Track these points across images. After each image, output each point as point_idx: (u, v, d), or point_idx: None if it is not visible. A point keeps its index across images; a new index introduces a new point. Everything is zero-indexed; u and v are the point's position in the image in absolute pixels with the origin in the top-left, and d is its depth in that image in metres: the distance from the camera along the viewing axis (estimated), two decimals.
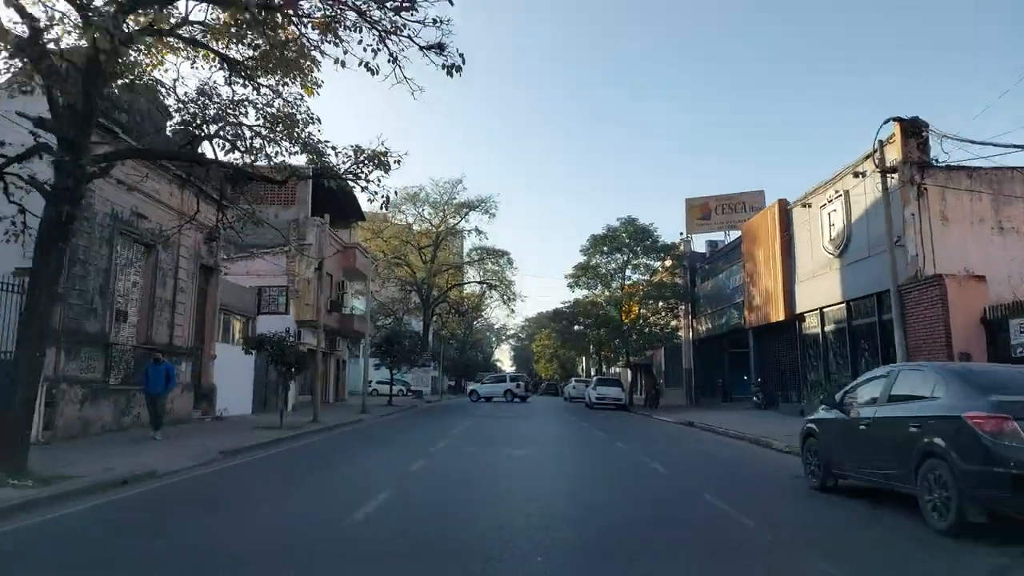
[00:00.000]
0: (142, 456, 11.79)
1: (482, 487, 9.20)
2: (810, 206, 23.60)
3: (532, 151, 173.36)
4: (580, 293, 38.11)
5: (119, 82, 11.61)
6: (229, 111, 12.17)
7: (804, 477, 9.29)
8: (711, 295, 35.14)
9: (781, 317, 25.34)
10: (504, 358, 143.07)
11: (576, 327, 42.71)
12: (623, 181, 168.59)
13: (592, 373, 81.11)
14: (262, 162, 12.27)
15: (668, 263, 37.74)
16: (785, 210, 25.58)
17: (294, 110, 12.35)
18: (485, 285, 51.69)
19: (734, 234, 37.66)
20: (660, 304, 35.04)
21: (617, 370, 58.61)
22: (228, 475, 10.73)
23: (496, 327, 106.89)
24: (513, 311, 55.57)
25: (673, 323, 36.98)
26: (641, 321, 35.24)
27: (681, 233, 39.89)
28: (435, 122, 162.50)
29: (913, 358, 16.21)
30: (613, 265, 36.91)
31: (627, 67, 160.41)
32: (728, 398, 33.09)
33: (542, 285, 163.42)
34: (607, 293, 36.60)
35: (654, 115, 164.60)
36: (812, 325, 23.99)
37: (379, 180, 12.13)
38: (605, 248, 36.27)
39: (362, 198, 35.42)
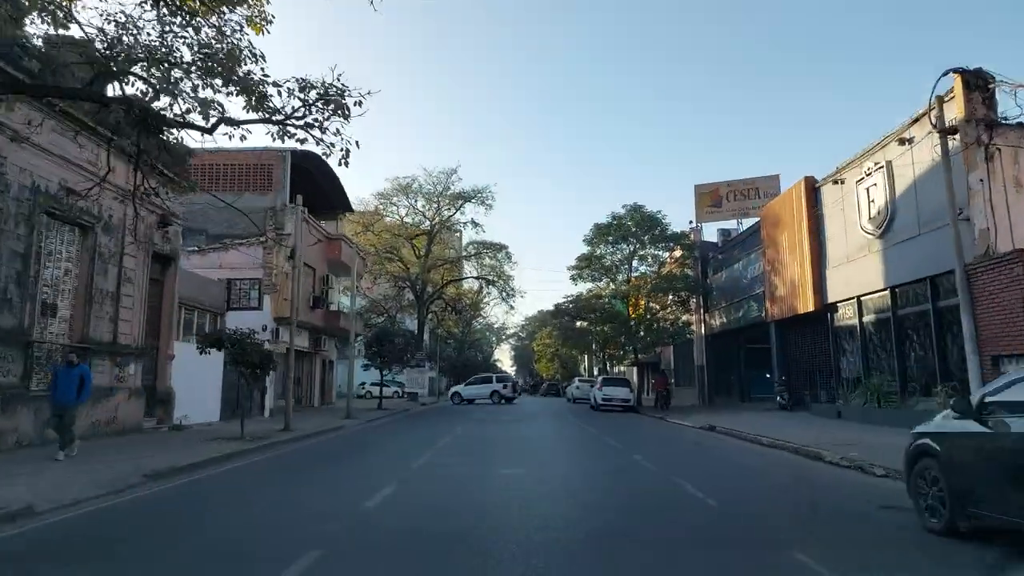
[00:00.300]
0: (36, 482, 9.21)
1: (463, 536, 6.51)
2: (843, 182, 21.01)
3: (530, 142, 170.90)
4: (584, 287, 35.55)
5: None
6: (154, 46, 9.65)
7: (916, 514, 6.67)
8: (725, 287, 32.55)
9: (810, 308, 22.75)
10: (504, 358, 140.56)
11: (579, 323, 40.11)
12: (624, 172, 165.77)
13: (595, 372, 78.65)
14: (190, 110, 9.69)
15: (678, 253, 35.13)
16: (813, 188, 22.98)
17: (233, 44, 9.83)
18: (482, 281, 49.05)
19: (747, 223, 35.17)
20: (670, 297, 32.40)
21: (622, 369, 56.03)
22: (133, 512, 8.13)
23: (496, 327, 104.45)
24: (512, 308, 52.29)
25: (684, 318, 34.36)
26: (649, 316, 32.62)
27: (691, 222, 37.30)
28: (426, 111, 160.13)
29: (985, 351, 13.62)
30: (619, 256, 34.27)
31: (628, 54, 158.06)
32: (746, 397, 30.50)
33: (542, 279, 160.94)
34: (612, 286, 33.96)
35: (653, 103, 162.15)
36: (847, 316, 21.39)
37: (338, 130, 9.58)
38: (610, 238, 33.64)
39: (351, 187, 32.91)
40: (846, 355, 21.44)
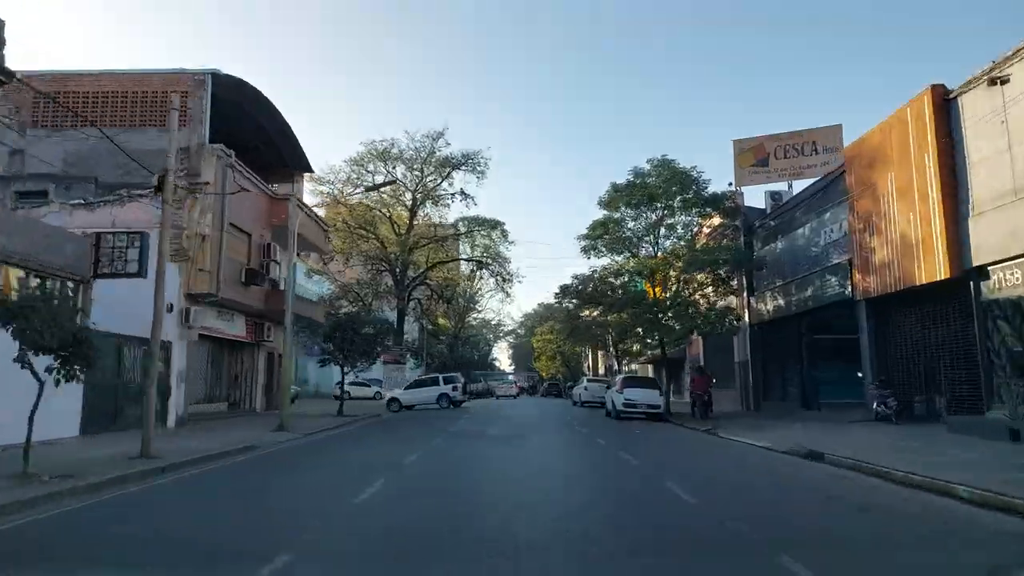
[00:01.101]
0: None
1: None
2: (1005, 81, 13.85)
3: (530, 105, 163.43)
4: (598, 262, 28.26)
5: None
6: None
7: None
8: (781, 261, 25.42)
9: (939, 275, 15.62)
10: (502, 357, 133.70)
11: (587, 313, 33.00)
12: (637, 133, 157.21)
13: (602, 371, 71.54)
14: None
15: (715, 221, 27.98)
16: (944, 102, 15.81)
17: None
18: (474, 263, 41.86)
19: (799, 185, 28.09)
20: (711, 275, 25.15)
21: (635, 367, 48.84)
22: None
23: (493, 323, 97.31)
24: (509, 296, 44.82)
25: (722, 302, 27.10)
26: (681, 298, 25.44)
27: (729, 184, 30.07)
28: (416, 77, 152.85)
29: None
30: (642, 224, 27.08)
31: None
32: (812, 404, 23.34)
33: (542, 259, 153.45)
34: (634, 261, 26.72)
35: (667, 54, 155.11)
36: (1008, 284, 14.23)
37: None
38: (632, 201, 26.42)
39: (320, 154, 25.96)
40: (1007, 342, 14.27)
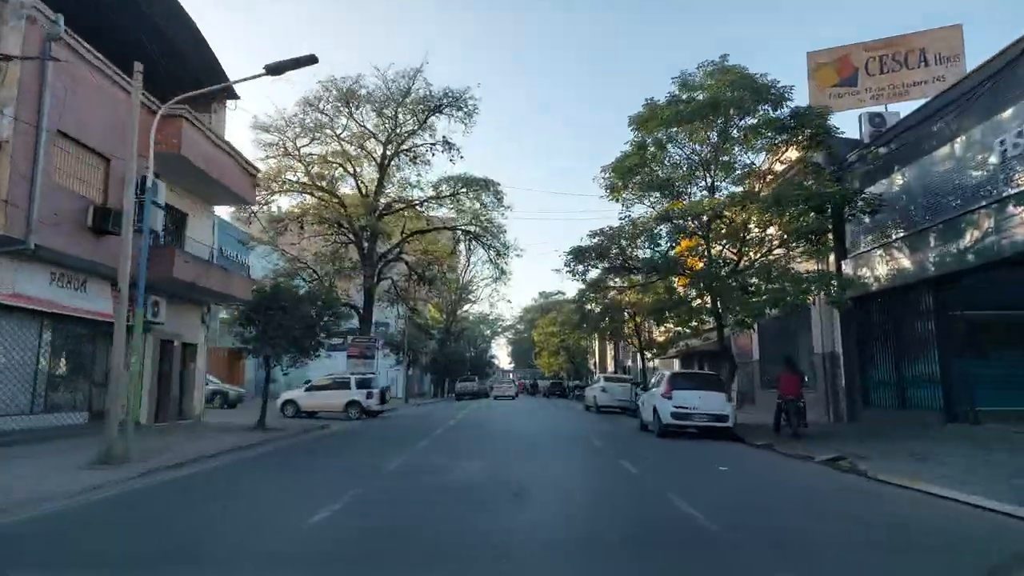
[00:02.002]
0: None
1: None
2: None
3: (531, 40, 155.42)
4: (625, 211, 19.92)
5: None
6: None
7: None
8: (898, 206, 17.34)
9: None
10: (501, 354, 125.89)
11: (611, 285, 24.84)
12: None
13: (609, 367, 63.25)
14: None
15: (791, 155, 19.85)
16: None
17: None
18: (460, 232, 33.67)
19: (905, 108, 20.06)
20: (802, 223, 16.69)
21: (656, 364, 40.68)
22: None
23: (490, 318, 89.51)
24: (504, 273, 36.27)
25: (806, 267, 18.91)
26: (765, 258, 17.31)
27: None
28: None
29: None
30: (687, 156, 18.95)
31: None
32: (962, 413, 15.23)
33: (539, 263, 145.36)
34: (686, 204, 18.40)
35: None
36: None
37: None
38: (682, 115, 18.13)
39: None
40: None
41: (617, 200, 19.40)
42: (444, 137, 31.25)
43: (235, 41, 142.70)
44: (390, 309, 35.39)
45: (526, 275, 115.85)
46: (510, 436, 17.40)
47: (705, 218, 18.12)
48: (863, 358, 19.54)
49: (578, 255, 20.40)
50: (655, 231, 18.67)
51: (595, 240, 19.57)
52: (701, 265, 18.91)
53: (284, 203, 31.90)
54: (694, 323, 20.75)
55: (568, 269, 20.95)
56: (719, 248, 18.36)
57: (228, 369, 37.49)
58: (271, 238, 31.24)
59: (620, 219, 19.48)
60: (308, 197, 31.34)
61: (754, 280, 17.15)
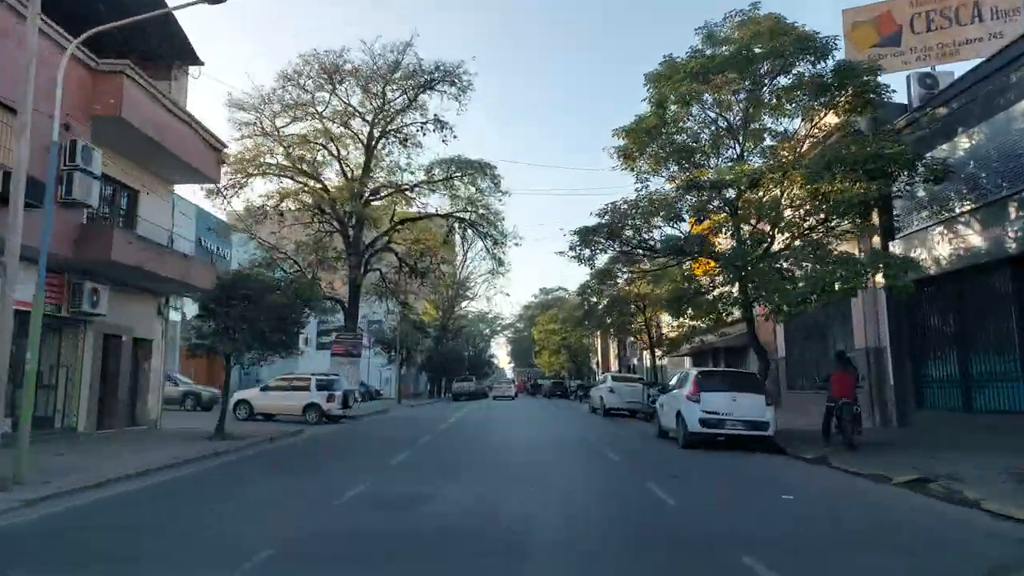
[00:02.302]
0: None
1: None
2: None
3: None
4: (641, 187, 17.19)
5: None
6: None
7: None
8: (961, 174, 14.72)
9: None
10: (500, 354, 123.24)
11: (619, 275, 22.22)
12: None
13: (613, 366, 60.56)
14: None
15: (830, 120, 17.18)
16: None
17: None
18: (454, 220, 31.01)
19: (958, 70, 17.49)
20: (855, 191, 13.82)
21: (665, 363, 38.10)
22: None
23: (489, 316, 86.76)
24: (502, 264, 33.61)
25: (840, 248, 16.22)
26: (797, 241, 14.66)
27: None
28: None
29: None
30: (714, 117, 16.29)
31: None
32: None
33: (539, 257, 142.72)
34: (715, 172, 15.67)
35: None
36: None
37: None
38: (709, 69, 15.48)
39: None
40: None
41: (631, 169, 16.70)
42: (436, 115, 28.63)
43: (218, 31, 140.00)
44: (379, 304, 32.74)
45: (526, 269, 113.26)
46: (508, 447, 14.79)
47: (733, 193, 15.49)
48: (915, 353, 16.94)
49: (585, 237, 17.72)
50: (678, 204, 15.91)
51: (606, 217, 16.70)
52: (728, 247, 16.29)
53: (262, 187, 29.35)
54: (716, 315, 18.11)
55: (574, 255, 18.29)
56: (749, 227, 15.70)
57: (207, 368, 34.76)
58: (248, 226, 28.63)
59: (636, 190, 16.75)
60: (288, 182, 28.72)
61: (790, 264, 14.53)
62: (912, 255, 15.95)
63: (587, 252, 18.43)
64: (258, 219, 28.68)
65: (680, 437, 14.18)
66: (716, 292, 18.20)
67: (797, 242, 14.41)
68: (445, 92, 28.75)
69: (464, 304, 71.48)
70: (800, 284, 13.35)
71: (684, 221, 16.05)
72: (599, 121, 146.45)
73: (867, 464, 11.01)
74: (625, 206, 16.34)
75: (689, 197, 15.76)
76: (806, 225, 14.70)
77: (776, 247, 15.37)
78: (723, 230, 16.34)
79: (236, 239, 31.18)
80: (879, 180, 13.59)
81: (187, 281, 18.34)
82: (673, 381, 16.25)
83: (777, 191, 14.74)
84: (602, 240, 17.51)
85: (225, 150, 21.06)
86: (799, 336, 23.25)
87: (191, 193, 45.90)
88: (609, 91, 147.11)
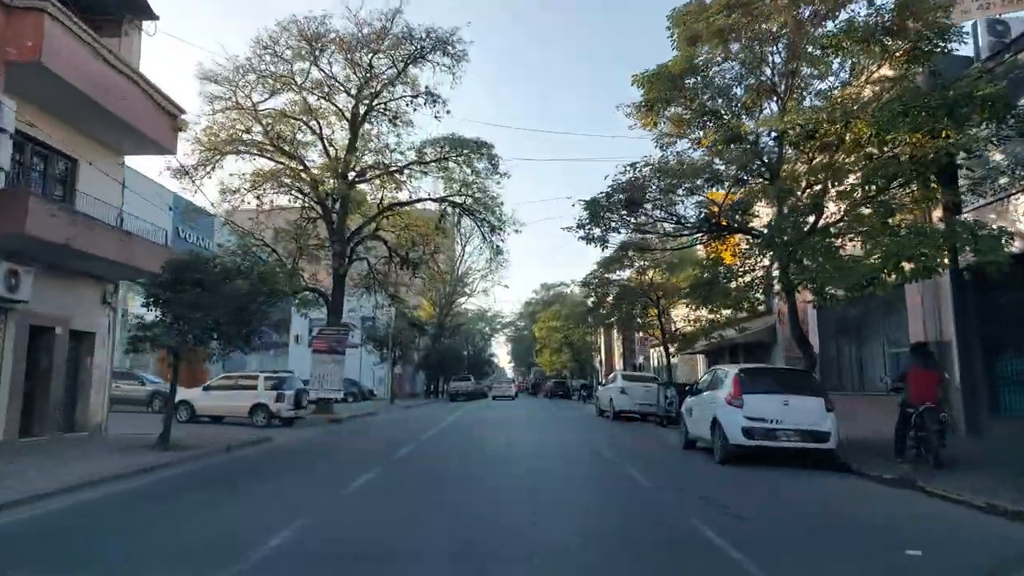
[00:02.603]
0: None
1: None
2: None
3: None
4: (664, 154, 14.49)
5: None
6: None
7: None
8: None
9: None
10: (500, 353, 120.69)
11: (635, 259, 19.58)
12: None
13: (618, 364, 57.72)
14: None
15: (882, 72, 14.50)
16: None
17: None
18: (447, 204, 28.32)
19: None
20: (941, 141, 11.09)
21: (675, 360, 35.40)
22: None
23: (488, 313, 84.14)
24: (501, 253, 30.91)
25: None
26: (862, 204, 11.99)
27: None
28: None
29: None
30: (751, 65, 13.63)
31: None
32: None
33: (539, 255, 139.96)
34: (747, 128, 12.96)
35: None
36: None
37: None
38: (729, 18, 12.91)
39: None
40: None
41: (654, 125, 13.97)
42: (427, 88, 25.97)
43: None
44: (368, 298, 30.14)
45: (527, 265, 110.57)
46: (504, 464, 12.15)
47: (774, 152, 12.83)
48: (988, 348, 14.34)
49: (596, 211, 15.06)
50: (716, 166, 13.16)
51: (625, 179, 13.82)
52: (767, 222, 13.67)
53: (236, 168, 26.71)
54: (749, 304, 15.50)
55: (583, 234, 15.63)
56: (798, 194, 13.04)
57: (188, 366, 32.06)
58: (228, 212, 25.99)
59: (659, 149, 13.92)
60: (267, 162, 26.09)
61: (843, 240, 11.89)
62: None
63: (597, 231, 15.76)
64: (234, 204, 26.05)
65: (717, 450, 11.56)
66: (747, 278, 15.60)
67: (863, 209, 11.68)
68: (438, 63, 26.11)
69: (462, 300, 69.04)
70: (872, 259, 10.66)
71: (723, 185, 13.29)
72: (605, 94, 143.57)
73: (966, 489, 8.41)
74: (647, 169, 13.59)
75: (729, 154, 13.03)
76: (867, 190, 11.99)
77: (827, 218, 12.72)
78: (760, 199, 13.67)
79: (224, 232, 28.56)
80: (963, 131, 10.92)
81: (131, 263, 15.72)
82: (704, 381, 13.61)
83: (819, 161, 11.92)
84: (616, 215, 14.86)
85: (183, 116, 18.41)
86: (834, 330, 20.63)
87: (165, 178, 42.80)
88: (619, 59, 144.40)
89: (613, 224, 15.50)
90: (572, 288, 71.78)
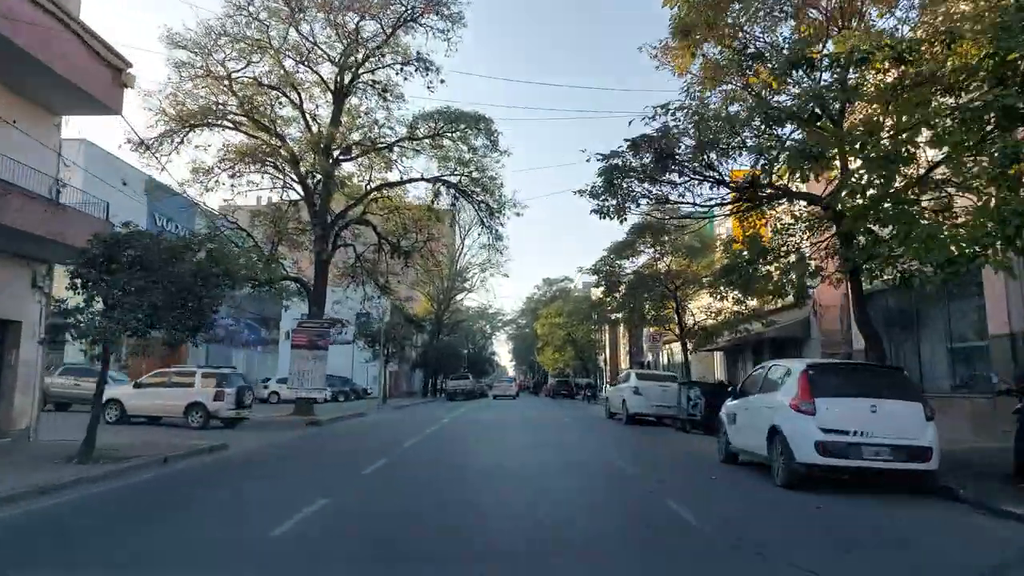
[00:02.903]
0: None
1: None
2: None
3: None
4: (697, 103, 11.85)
5: None
6: None
7: None
8: None
9: None
10: (502, 351, 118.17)
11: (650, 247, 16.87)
12: None
13: (623, 363, 54.97)
14: None
15: (965, 4, 11.87)
16: None
17: None
18: (440, 184, 25.65)
19: None
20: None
21: (692, 356, 32.84)
22: None
23: (489, 311, 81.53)
24: (500, 239, 28.17)
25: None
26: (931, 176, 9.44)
27: None
28: None
29: None
30: None
31: None
32: None
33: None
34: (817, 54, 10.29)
35: None
36: None
37: None
38: None
39: None
40: None
41: (691, 57, 11.31)
42: (418, 53, 23.35)
43: None
44: (356, 290, 27.57)
45: (527, 259, 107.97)
46: (500, 487, 9.55)
47: (834, 94, 10.17)
48: None
49: (612, 177, 12.44)
50: (783, 104, 10.31)
51: (656, 124, 11.12)
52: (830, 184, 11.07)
53: (205, 140, 24.18)
54: (796, 289, 12.90)
55: (597, 205, 13.01)
56: (872, 147, 10.40)
57: (158, 361, 29.44)
58: (198, 192, 23.39)
59: (689, 99, 11.16)
60: (241, 136, 23.52)
61: (932, 203, 9.31)
62: None
63: (614, 203, 13.13)
64: (208, 185, 23.45)
65: (777, 470, 8.93)
66: (791, 258, 13.02)
67: (967, 162, 8.97)
68: (431, 28, 23.48)
69: (461, 296, 66.42)
70: (977, 224, 8.05)
71: (783, 126, 10.52)
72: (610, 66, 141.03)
73: None
74: (682, 114, 10.74)
75: (791, 86, 10.30)
76: (976, 130, 9.28)
77: (911, 174, 10.05)
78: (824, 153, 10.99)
79: (203, 221, 26.00)
80: None
81: (65, 241, 13.16)
82: (752, 380, 10.95)
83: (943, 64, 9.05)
84: (637, 180, 12.23)
85: (129, 70, 15.81)
86: (883, 322, 18.00)
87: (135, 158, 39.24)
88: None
89: (634, 192, 12.86)
90: (576, 284, 69.65)
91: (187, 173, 23.11)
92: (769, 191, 11.70)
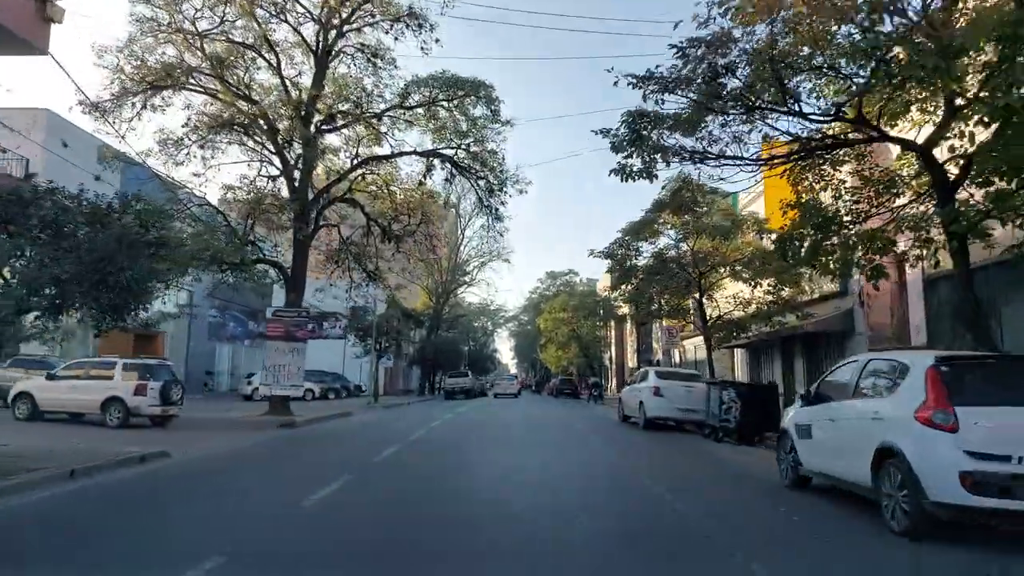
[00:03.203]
0: None
1: None
2: None
3: None
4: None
5: None
6: None
7: None
8: None
9: None
10: (503, 348, 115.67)
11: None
12: None
13: (630, 361, 52.19)
14: None
15: None
16: None
17: None
18: (435, 158, 22.91)
19: None
20: None
21: (697, 357, 30.16)
22: None
23: (491, 308, 78.84)
24: (501, 220, 25.27)
25: None
26: None
27: None
28: None
29: None
30: None
31: None
32: None
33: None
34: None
35: None
36: None
37: None
38: None
39: None
40: None
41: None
42: (410, 7, 20.69)
43: None
44: (343, 277, 24.92)
45: (528, 251, 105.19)
46: (493, 523, 6.91)
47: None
48: None
49: (637, 125, 9.81)
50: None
51: (706, 32, 8.40)
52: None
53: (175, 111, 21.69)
54: (873, 267, 10.23)
55: (619, 163, 10.37)
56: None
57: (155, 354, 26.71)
58: (165, 163, 20.71)
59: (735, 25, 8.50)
60: (213, 103, 20.89)
61: None
62: None
63: (639, 164, 10.50)
64: (177, 160, 20.80)
65: (895, 511, 6.15)
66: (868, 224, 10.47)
67: None
68: None
69: (461, 290, 63.77)
70: None
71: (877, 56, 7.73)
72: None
73: None
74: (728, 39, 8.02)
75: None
76: None
77: None
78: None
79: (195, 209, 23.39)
80: None
81: None
82: (837, 380, 8.15)
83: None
84: (669, 127, 9.60)
85: (56, 1, 13.19)
86: (944, 308, 15.31)
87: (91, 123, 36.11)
88: None
89: (666, 143, 10.23)
90: (581, 278, 67.03)
91: (154, 144, 20.52)
92: (858, 135, 9.02)
